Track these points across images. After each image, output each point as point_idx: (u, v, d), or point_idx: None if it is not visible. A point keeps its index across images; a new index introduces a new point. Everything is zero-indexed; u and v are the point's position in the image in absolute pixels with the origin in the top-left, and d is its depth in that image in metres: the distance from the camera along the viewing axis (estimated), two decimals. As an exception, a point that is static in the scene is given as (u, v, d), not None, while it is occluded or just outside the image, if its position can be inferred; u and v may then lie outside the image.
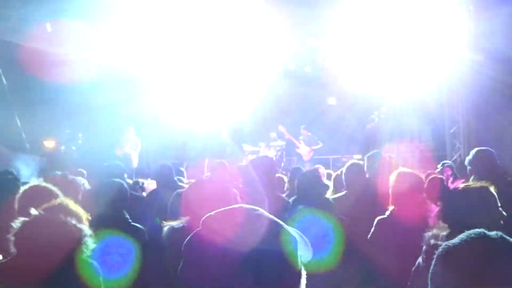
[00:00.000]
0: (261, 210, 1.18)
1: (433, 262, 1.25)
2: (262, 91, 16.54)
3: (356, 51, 15.03)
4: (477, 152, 4.60)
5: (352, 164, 5.16)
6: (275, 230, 1.12)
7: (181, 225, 2.97)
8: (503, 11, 8.83)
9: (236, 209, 1.20)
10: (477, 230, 1.27)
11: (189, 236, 1.16)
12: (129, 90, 16.84)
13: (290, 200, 3.96)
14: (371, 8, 13.21)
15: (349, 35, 14.33)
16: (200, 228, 1.15)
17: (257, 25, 15.07)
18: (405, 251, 2.99)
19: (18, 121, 11.50)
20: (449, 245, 1.24)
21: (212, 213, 1.18)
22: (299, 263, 1.14)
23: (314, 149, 13.93)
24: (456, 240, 1.25)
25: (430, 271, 1.25)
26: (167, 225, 3.08)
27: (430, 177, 5.11)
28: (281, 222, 1.16)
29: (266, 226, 1.12)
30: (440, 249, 1.25)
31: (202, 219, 1.18)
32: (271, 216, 1.17)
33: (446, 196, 2.64)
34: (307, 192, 3.89)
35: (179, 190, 4.58)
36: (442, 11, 11.46)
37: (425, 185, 4.39)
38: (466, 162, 4.73)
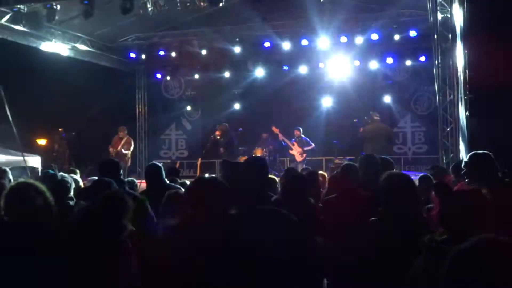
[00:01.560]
0: (288, 213, 1.18)
1: (446, 266, 1.25)
2: (256, 91, 16.59)
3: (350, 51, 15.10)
4: (473, 155, 4.58)
5: (346, 166, 5.17)
6: (299, 231, 1.13)
7: (177, 223, 2.96)
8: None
9: (264, 209, 1.20)
10: (488, 234, 1.30)
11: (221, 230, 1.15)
12: (125, 89, 16.86)
13: (272, 200, 3.96)
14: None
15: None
16: (228, 222, 1.15)
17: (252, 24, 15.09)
18: (398, 254, 2.98)
19: (10, 119, 11.41)
20: (463, 249, 1.25)
21: (243, 210, 1.18)
22: (321, 266, 1.14)
23: (306, 150, 13.94)
24: (468, 244, 1.26)
25: (444, 274, 1.25)
26: (162, 223, 3.07)
27: (435, 182, 5.09)
28: (304, 225, 1.17)
29: (291, 226, 1.13)
30: (453, 252, 1.26)
31: (231, 214, 1.17)
32: (299, 222, 1.17)
33: (445, 200, 2.65)
34: (289, 194, 3.88)
35: (171, 191, 4.55)
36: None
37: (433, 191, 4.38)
38: (462, 165, 4.70)
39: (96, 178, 5.56)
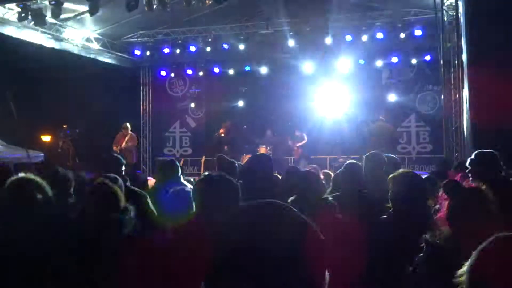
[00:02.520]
0: (291, 207, 1.17)
1: (468, 266, 1.24)
2: (260, 89, 16.58)
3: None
4: (479, 153, 4.58)
5: (350, 164, 5.15)
6: (300, 226, 1.11)
7: (188, 221, 2.95)
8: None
9: (269, 203, 1.19)
10: (506, 233, 1.30)
11: (225, 224, 1.14)
12: (129, 87, 16.88)
13: (289, 201, 3.95)
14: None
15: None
16: (233, 219, 1.14)
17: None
18: (404, 253, 2.98)
19: (15, 116, 11.44)
20: (485, 248, 1.24)
21: (245, 204, 1.17)
22: (324, 261, 1.13)
23: (300, 145, 14.11)
24: (489, 243, 1.25)
25: (467, 274, 1.24)
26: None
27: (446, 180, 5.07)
28: (308, 220, 1.15)
29: (293, 221, 1.11)
30: (477, 252, 1.25)
31: (239, 209, 1.16)
32: (300, 214, 1.16)
33: (454, 198, 2.65)
34: (305, 192, 3.88)
35: (176, 188, 4.55)
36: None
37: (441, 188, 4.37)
38: (467, 163, 4.70)
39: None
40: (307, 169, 6.34)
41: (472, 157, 4.62)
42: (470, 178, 4.42)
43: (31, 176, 3.47)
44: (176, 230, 2.94)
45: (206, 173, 3.40)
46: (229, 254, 1.11)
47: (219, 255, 1.13)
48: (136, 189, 5.36)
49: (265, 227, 1.11)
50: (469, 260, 1.25)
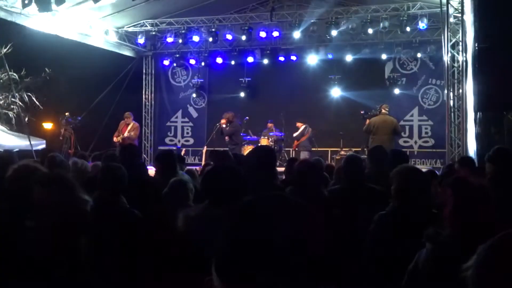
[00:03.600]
0: (298, 200, 1.15)
1: (476, 263, 1.22)
2: (263, 80, 16.55)
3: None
4: (498, 150, 4.52)
5: (351, 157, 5.14)
6: (307, 218, 1.10)
7: (198, 213, 2.93)
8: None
9: (277, 196, 1.17)
10: None
11: (232, 218, 1.13)
12: (132, 75, 16.85)
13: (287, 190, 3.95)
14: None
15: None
16: (240, 212, 1.13)
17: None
18: (406, 249, 2.97)
19: (18, 104, 11.47)
20: (492, 244, 1.23)
21: (251, 198, 1.15)
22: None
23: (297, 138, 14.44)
24: (497, 239, 1.24)
25: (472, 272, 1.22)
26: (183, 213, 3.03)
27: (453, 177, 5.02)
28: (316, 213, 1.14)
29: (303, 214, 1.10)
30: (483, 249, 1.23)
31: (243, 203, 1.14)
32: (308, 205, 1.14)
33: (460, 194, 2.63)
34: (302, 183, 3.87)
35: (176, 178, 4.54)
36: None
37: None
38: (485, 158, 4.64)
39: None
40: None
41: (491, 153, 4.55)
42: (488, 176, 4.36)
43: (32, 163, 3.47)
44: (177, 222, 2.92)
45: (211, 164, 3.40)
46: (235, 245, 1.10)
47: (224, 247, 1.12)
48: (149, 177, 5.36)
49: (272, 220, 1.10)
50: (477, 254, 1.23)
